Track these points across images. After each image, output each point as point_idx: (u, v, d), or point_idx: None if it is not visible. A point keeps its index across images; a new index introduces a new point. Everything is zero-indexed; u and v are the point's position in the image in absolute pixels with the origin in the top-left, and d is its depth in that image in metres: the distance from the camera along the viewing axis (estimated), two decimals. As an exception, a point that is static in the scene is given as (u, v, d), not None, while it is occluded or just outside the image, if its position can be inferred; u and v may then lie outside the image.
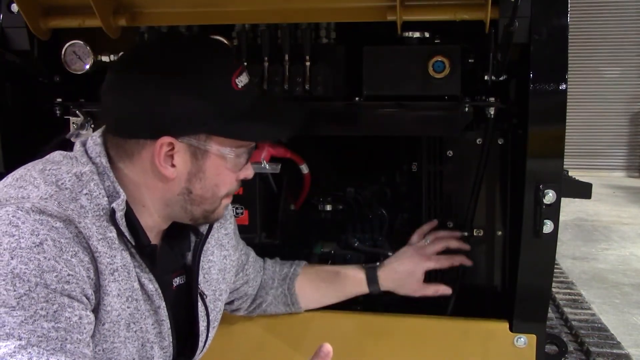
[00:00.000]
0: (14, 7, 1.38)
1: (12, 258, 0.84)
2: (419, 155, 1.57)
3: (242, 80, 1.03)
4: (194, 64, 0.99)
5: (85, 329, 0.89)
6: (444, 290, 1.41)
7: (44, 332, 0.83)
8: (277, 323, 1.45)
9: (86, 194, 0.95)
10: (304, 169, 1.58)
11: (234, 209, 1.45)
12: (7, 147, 1.44)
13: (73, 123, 1.49)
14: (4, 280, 0.83)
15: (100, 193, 0.96)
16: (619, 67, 9.88)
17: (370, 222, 1.68)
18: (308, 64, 1.38)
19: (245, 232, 1.42)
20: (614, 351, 2.68)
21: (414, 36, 1.38)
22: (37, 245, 0.86)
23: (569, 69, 1.24)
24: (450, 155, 1.51)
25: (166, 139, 0.98)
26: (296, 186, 1.62)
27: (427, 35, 1.39)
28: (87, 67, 1.46)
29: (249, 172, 1.11)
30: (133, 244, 0.99)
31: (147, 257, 1.02)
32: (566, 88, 1.23)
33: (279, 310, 1.42)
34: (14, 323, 0.81)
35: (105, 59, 1.45)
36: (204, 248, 1.17)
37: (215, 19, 1.31)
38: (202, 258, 1.17)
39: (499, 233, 1.49)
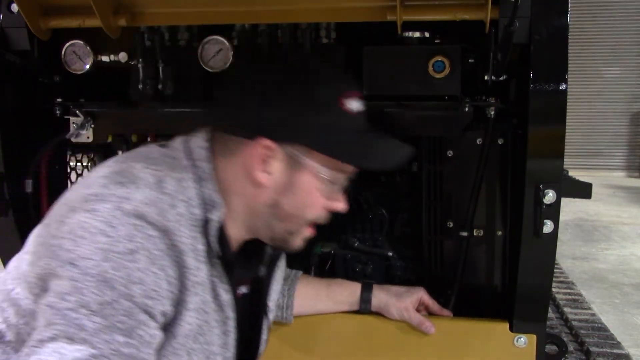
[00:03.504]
0: (14, 7, 1.38)
1: (104, 260, 0.83)
2: (419, 155, 1.57)
3: (353, 105, 1.01)
4: (310, 76, 1.01)
5: (153, 347, 0.88)
6: (427, 326, 1.36)
7: (117, 346, 0.82)
8: (274, 324, 1.44)
9: (185, 201, 0.93)
10: (304, 169, 1.58)
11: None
12: (7, 147, 1.44)
13: (73, 123, 1.49)
14: (92, 281, 0.82)
15: (196, 202, 0.95)
16: (619, 67, 9.89)
17: (370, 222, 1.68)
18: (308, 64, 1.38)
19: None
20: (614, 351, 2.67)
21: (414, 36, 1.38)
22: (130, 253, 0.84)
23: (569, 69, 1.24)
24: (450, 155, 1.51)
25: (266, 141, 0.96)
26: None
27: (427, 35, 1.39)
28: (87, 67, 1.45)
29: (340, 204, 1.08)
30: (220, 255, 0.98)
31: (227, 267, 1.00)
32: (566, 88, 1.23)
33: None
34: (91, 329, 0.80)
35: (105, 59, 1.45)
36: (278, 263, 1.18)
37: (215, 19, 1.31)
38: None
39: (499, 233, 1.49)
